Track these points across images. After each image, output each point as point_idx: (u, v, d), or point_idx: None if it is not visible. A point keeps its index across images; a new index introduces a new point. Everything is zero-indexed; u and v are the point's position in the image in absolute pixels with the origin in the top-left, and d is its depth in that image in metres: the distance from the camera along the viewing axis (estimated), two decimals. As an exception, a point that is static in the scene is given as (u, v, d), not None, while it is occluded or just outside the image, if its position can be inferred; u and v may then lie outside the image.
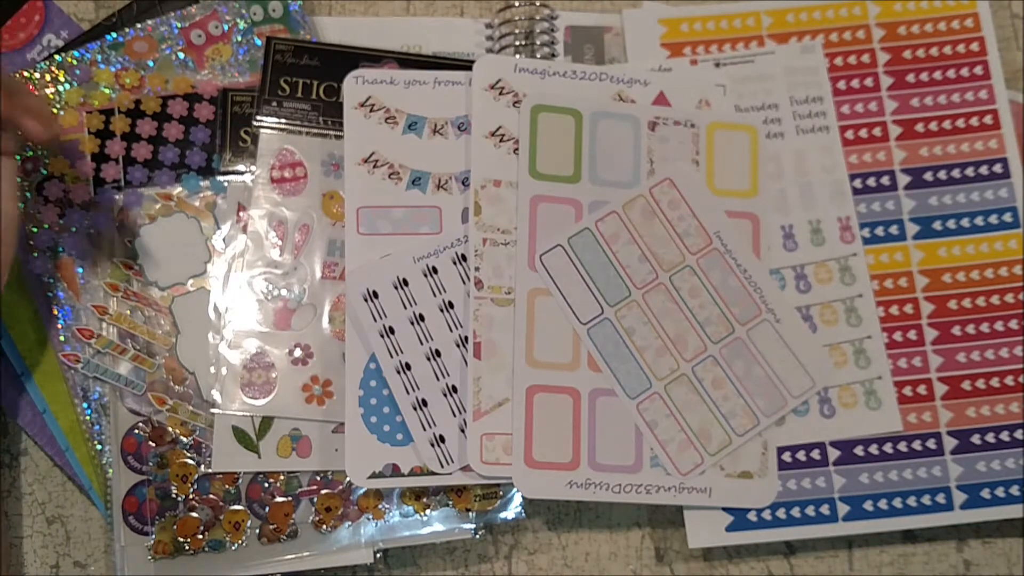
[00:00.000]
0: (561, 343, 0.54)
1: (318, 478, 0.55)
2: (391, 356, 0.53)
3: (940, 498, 0.55)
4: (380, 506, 0.54)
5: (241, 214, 0.56)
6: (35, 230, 0.56)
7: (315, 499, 0.54)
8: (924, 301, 0.57)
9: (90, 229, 0.56)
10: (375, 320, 0.53)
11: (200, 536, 0.54)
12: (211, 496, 0.54)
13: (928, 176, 0.58)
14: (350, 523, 0.54)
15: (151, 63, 0.58)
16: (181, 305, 0.55)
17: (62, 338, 0.55)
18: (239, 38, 0.58)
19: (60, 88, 0.57)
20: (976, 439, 0.56)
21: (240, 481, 0.54)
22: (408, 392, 0.53)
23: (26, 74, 0.57)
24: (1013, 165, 0.58)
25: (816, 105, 0.58)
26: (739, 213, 0.56)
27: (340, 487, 0.55)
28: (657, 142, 0.56)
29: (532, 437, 0.53)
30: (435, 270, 0.54)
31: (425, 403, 0.53)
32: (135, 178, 0.57)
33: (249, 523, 0.54)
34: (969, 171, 0.58)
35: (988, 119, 0.59)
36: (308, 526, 0.54)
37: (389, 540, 0.54)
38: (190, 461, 0.54)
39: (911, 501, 0.55)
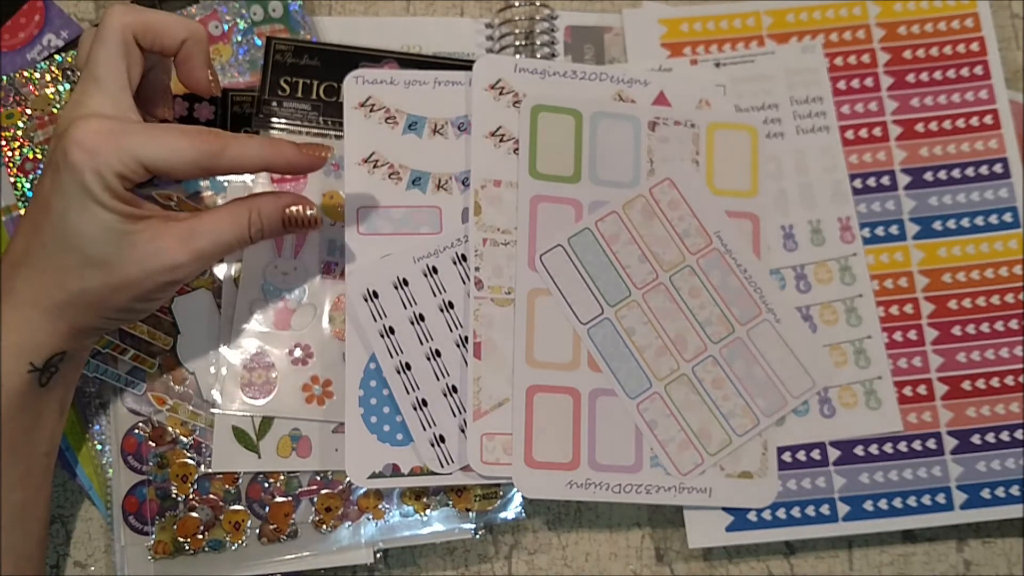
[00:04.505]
0: (561, 343, 0.54)
1: (318, 478, 0.55)
2: (391, 356, 0.53)
3: (940, 498, 0.55)
4: (380, 506, 0.54)
5: (241, 214, 0.56)
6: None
7: (315, 499, 0.54)
8: (924, 301, 0.57)
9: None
10: (375, 320, 0.53)
11: (200, 536, 0.54)
12: (211, 496, 0.54)
13: (928, 176, 0.58)
14: (350, 523, 0.54)
15: (151, 63, 0.58)
16: (181, 305, 0.55)
17: (62, 338, 0.55)
18: (239, 38, 0.58)
19: (60, 88, 0.57)
20: (976, 439, 0.56)
21: (240, 481, 0.54)
22: (408, 392, 0.53)
23: (26, 74, 0.57)
24: (1013, 165, 0.58)
25: (816, 105, 0.58)
26: (739, 213, 0.56)
27: (340, 487, 0.55)
28: (657, 142, 0.56)
29: (532, 437, 0.53)
30: (435, 270, 0.54)
31: (425, 403, 0.53)
32: (135, 178, 0.56)
33: (249, 523, 0.54)
34: (969, 171, 0.58)
35: (988, 119, 0.59)
36: (308, 526, 0.54)
37: (389, 540, 0.54)
38: (190, 461, 0.54)
39: (911, 501, 0.55)
